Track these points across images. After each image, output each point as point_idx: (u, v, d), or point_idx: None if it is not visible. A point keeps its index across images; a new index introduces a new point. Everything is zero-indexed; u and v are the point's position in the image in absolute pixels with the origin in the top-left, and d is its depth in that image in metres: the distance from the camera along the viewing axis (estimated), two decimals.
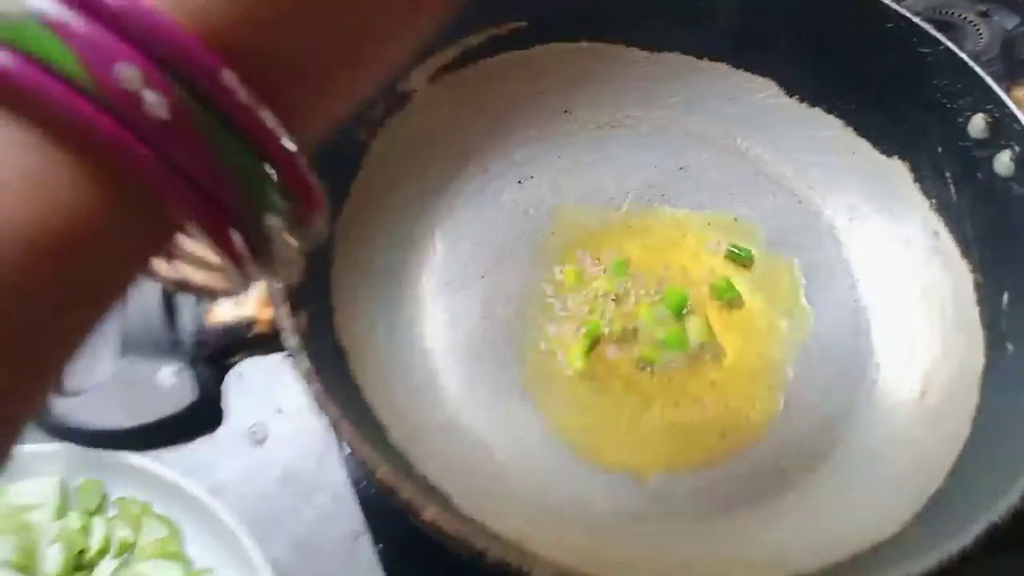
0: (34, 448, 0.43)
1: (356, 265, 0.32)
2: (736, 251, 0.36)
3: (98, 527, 0.41)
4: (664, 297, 0.35)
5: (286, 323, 0.25)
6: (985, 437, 0.28)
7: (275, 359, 0.47)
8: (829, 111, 0.36)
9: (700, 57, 0.38)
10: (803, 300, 0.35)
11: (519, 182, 0.38)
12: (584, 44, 0.38)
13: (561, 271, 0.36)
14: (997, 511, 0.23)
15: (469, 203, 0.37)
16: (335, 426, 0.25)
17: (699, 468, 0.30)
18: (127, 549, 0.41)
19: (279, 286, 0.26)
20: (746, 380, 0.33)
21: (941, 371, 0.31)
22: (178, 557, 0.41)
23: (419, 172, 0.36)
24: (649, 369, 0.34)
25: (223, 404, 0.27)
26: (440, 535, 0.24)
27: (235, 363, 0.27)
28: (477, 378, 0.33)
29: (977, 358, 0.30)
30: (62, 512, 0.41)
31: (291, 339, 0.25)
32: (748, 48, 0.37)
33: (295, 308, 0.26)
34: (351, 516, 0.45)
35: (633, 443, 0.31)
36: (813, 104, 0.37)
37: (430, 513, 0.24)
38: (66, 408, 0.24)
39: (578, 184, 0.38)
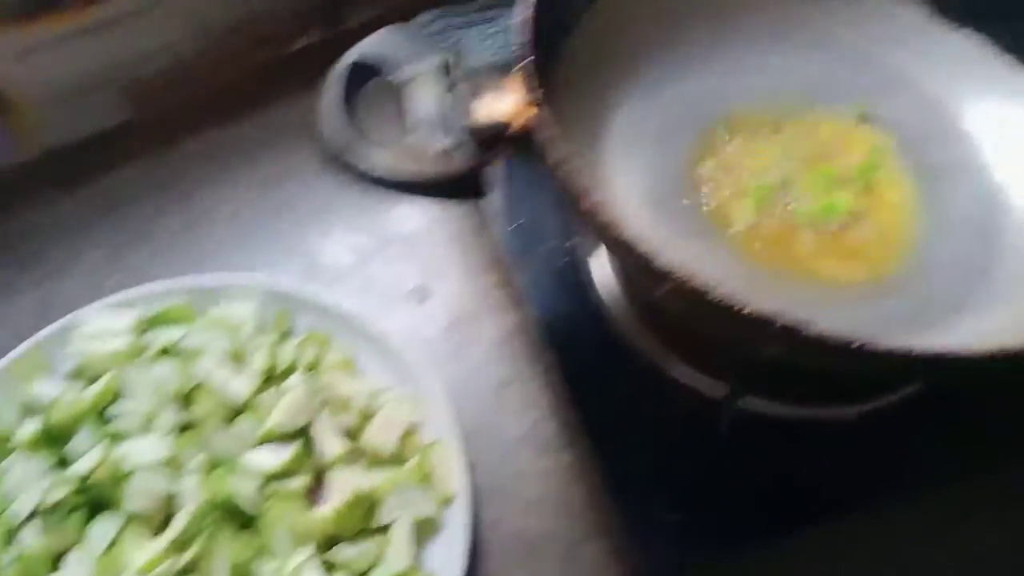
0: (237, 279, 0.49)
1: (562, 117, 0.38)
2: (875, 150, 0.43)
3: (287, 349, 0.48)
4: (819, 172, 0.41)
5: (545, 118, 0.31)
6: None
7: (442, 235, 0.54)
8: (976, 29, 0.42)
9: None
10: (938, 187, 0.41)
11: (691, 71, 0.44)
12: None
13: (729, 143, 0.42)
14: None
15: (649, 82, 0.43)
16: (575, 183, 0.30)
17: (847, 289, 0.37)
18: (315, 367, 0.47)
19: (540, 91, 0.32)
20: (886, 239, 0.39)
21: None
22: (357, 374, 0.47)
23: (614, 49, 0.42)
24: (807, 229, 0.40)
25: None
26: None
27: (496, 154, 0.33)
28: (664, 223, 0.39)
29: None
30: (258, 332, 0.48)
31: (548, 129, 0.31)
32: None
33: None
34: (503, 367, 0.51)
35: (794, 260, 0.37)
36: (961, 24, 0.43)
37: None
38: (375, 155, 0.30)
39: (740, 79, 0.44)
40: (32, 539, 0.40)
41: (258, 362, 0.46)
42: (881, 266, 0.39)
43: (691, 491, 0.39)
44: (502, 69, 0.50)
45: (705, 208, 0.40)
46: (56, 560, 0.40)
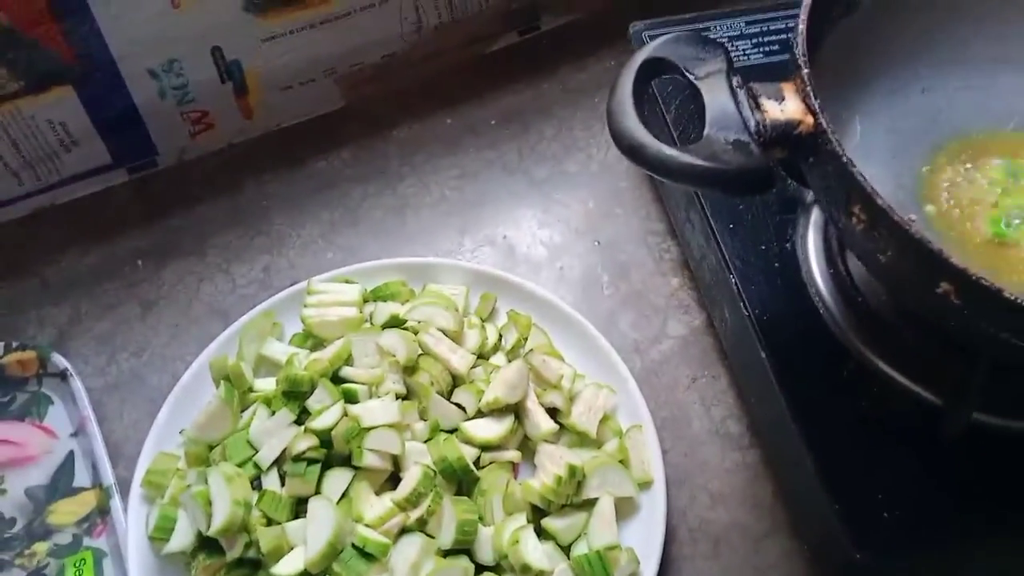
0: (447, 261, 0.53)
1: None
2: None
3: (491, 329, 0.51)
4: None
5: (827, 125, 0.34)
6: None
7: (629, 235, 0.57)
8: None
9: None
10: None
11: (922, 91, 0.45)
12: None
13: (956, 162, 0.43)
14: None
15: (885, 100, 0.45)
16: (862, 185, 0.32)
17: None
18: (519, 347, 0.50)
19: (818, 100, 0.34)
20: None
21: None
22: (561, 358, 0.50)
23: (852, 66, 0.44)
24: None
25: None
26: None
27: (777, 156, 0.35)
28: None
29: None
30: (466, 312, 0.51)
31: (833, 135, 0.33)
32: None
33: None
34: (689, 363, 0.53)
35: None
36: None
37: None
38: (672, 152, 0.33)
39: (970, 102, 0.45)
40: (275, 484, 0.44)
41: (472, 339, 0.49)
42: None
43: (899, 489, 0.40)
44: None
45: (939, 223, 0.41)
46: (295, 505, 0.44)
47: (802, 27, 0.37)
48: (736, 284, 0.46)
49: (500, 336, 0.51)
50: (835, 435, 0.41)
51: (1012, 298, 0.29)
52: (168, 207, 0.59)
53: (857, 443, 0.41)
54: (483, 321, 0.52)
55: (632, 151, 0.34)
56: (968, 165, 0.43)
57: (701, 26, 0.57)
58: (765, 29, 0.57)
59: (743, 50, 0.56)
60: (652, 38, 0.56)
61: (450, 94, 0.65)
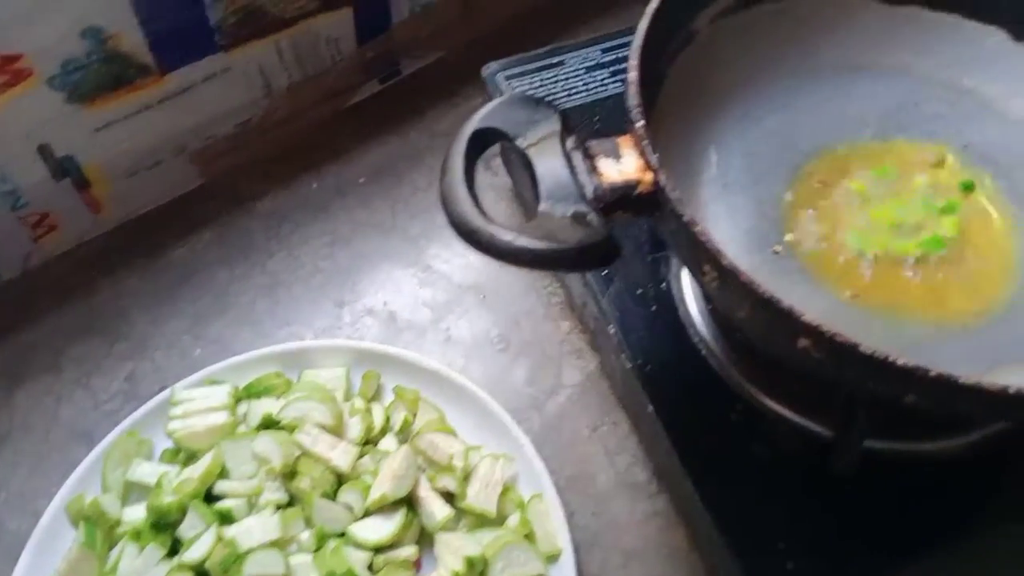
0: (324, 343, 0.50)
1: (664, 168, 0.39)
2: (968, 180, 0.42)
3: (377, 411, 0.48)
4: (916, 205, 0.41)
5: (666, 183, 0.32)
6: None
7: (514, 284, 0.54)
8: None
9: (934, 8, 0.44)
10: None
11: (776, 111, 0.44)
12: None
13: (817, 180, 0.42)
14: None
15: (738, 127, 0.43)
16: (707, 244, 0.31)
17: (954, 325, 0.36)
18: (407, 427, 0.47)
19: (656, 155, 0.32)
20: (987, 271, 0.39)
21: None
22: (452, 432, 0.47)
23: (700, 98, 0.42)
24: (909, 264, 0.40)
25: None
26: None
27: (622, 217, 0.33)
28: (759, 263, 0.39)
29: None
30: (348, 397, 0.48)
31: (673, 193, 0.31)
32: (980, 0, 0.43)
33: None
34: (588, 413, 0.51)
35: (899, 297, 0.37)
36: None
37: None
38: (509, 236, 0.31)
39: (825, 116, 0.44)
40: None
41: (355, 429, 0.46)
42: (985, 296, 0.39)
43: (800, 532, 0.39)
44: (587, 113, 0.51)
45: (804, 249, 0.40)
46: None
47: (633, 75, 0.35)
48: (616, 333, 0.44)
49: (388, 417, 0.48)
50: (731, 484, 0.40)
51: (868, 352, 0.28)
52: (15, 323, 0.54)
53: (754, 490, 0.39)
54: (368, 402, 0.49)
55: (466, 236, 0.32)
56: (829, 183, 0.42)
57: (556, 60, 0.55)
58: (622, 56, 0.55)
59: (601, 80, 0.54)
60: (507, 78, 0.55)
61: (313, 156, 0.61)
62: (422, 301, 0.55)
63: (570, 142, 0.34)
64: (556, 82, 0.54)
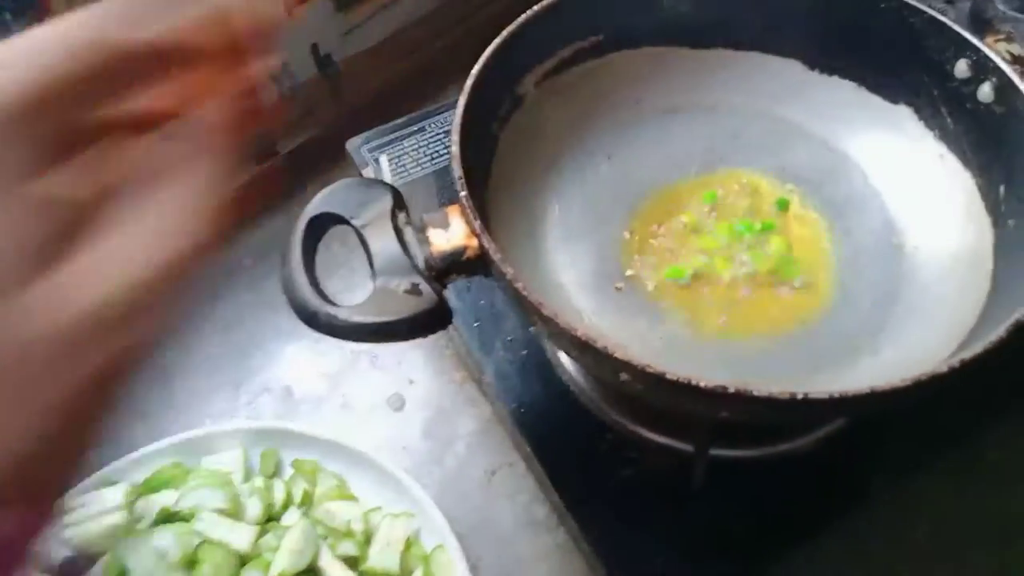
0: (220, 428, 0.51)
1: (503, 227, 0.42)
2: (783, 197, 0.46)
3: (278, 487, 0.49)
4: (741, 229, 0.45)
5: (489, 246, 0.35)
6: (1001, 288, 0.38)
7: (405, 343, 0.56)
8: (843, 77, 0.47)
9: (737, 49, 0.49)
10: (843, 220, 0.45)
11: (608, 158, 0.48)
12: (645, 49, 0.48)
13: (651, 218, 0.46)
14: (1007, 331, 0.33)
15: (574, 177, 0.47)
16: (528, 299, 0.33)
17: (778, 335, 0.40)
18: (308, 499, 0.49)
19: (478, 221, 0.35)
20: (808, 280, 0.43)
21: (962, 251, 0.41)
22: (352, 499, 0.49)
23: (535, 155, 0.46)
24: (740, 286, 0.43)
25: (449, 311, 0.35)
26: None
27: (454, 280, 0.35)
28: (604, 301, 0.42)
29: (987, 236, 0.40)
30: (248, 477, 0.49)
31: (496, 255, 0.34)
32: (774, 38, 0.48)
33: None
34: (486, 458, 0.53)
35: (730, 319, 0.41)
36: (831, 74, 0.47)
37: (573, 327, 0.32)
38: (347, 315, 0.33)
39: (653, 156, 0.48)
40: None
41: (254, 509, 0.47)
42: (808, 306, 0.43)
43: (675, 545, 0.41)
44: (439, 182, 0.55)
45: (642, 284, 0.43)
46: None
47: (455, 149, 0.38)
48: (490, 383, 0.46)
49: (288, 492, 0.50)
50: (606, 510, 0.42)
51: (674, 379, 0.31)
52: None
53: (628, 512, 0.42)
54: (269, 479, 0.50)
55: (307, 319, 0.34)
56: (662, 218, 0.46)
57: (416, 127, 0.58)
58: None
59: None
60: (371, 150, 0.58)
61: None
62: (317, 372, 0.57)
63: (402, 218, 0.36)
64: (418, 148, 0.57)
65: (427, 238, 0.36)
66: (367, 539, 0.47)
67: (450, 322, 0.35)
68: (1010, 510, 0.45)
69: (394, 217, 0.36)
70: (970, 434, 0.45)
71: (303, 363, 0.57)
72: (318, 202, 0.37)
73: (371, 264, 0.34)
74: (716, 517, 0.42)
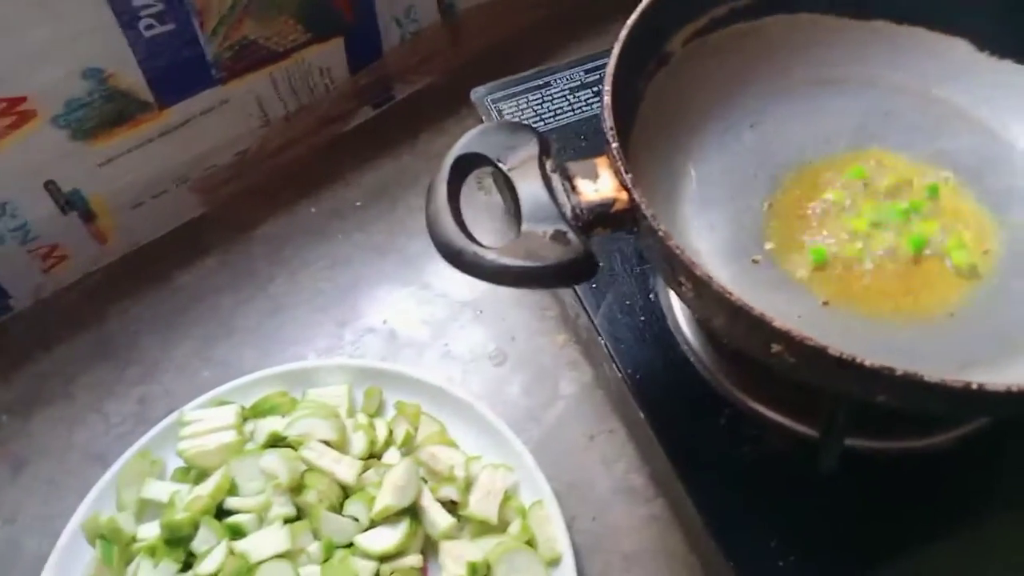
0: (326, 362, 0.52)
1: (641, 184, 0.40)
2: (935, 183, 0.44)
3: (380, 426, 0.50)
4: (890, 210, 0.42)
5: (640, 200, 0.33)
6: None
7: (510, 299, 0.56)
8: (1018, 62, 0.44)
9: (900, 23, 0.46)
10: (1005, 212, 0.42)
11: (751, 126, 0.46)
12: (803, 15, 0.46)
13: (794, 192, 0.44)
14: None
15: (716, 142, 0.45)
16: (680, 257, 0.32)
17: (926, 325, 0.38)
18: (409, 440, 0.49)
19: (629, 175, 0.34)
20: (961, 269, 0.41)
21: None
22: (453, 444, 0.49)
23: (677, 116, 0.44)
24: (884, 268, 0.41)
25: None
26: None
27: (600, 234, 0.34)
28: (739, 273, 0.41)
29: None
30: (351, 413, 0.50)
31: (648, 210, 0.33)
32: (942, 13, 0.45)
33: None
34: (585, 422, 0.53)
35: (874, 300, 0.39)
36: (1003, 57, 0.44)
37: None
38: (493, 255, 0.32)
39: (800, 129, 0.46)
40: None
41: (358, 444, 0.48)
42: (956, 296, 0.40)
43: (791, 531, 0.40)
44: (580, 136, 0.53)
45: (782, 258, 0.41)
46: None
47: (607, 99, 0.36)
48: (606, 345, 0.45)
49: (390, 431, 0.50)
50: (721, 487, 0.41)
51: (836, 354, 0.29)
52: (29, 352, 0.56)
53: (744, 492, 0.41)
54: (371, 418, 0.51)
55: (451, 258, 0.33)
56: (806, 194, 0.44)
57: (541, 81, 0.57)
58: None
59: (585, 100, 0.56)
60: (494, 101, 0.57)
61: (311, 181, 0.63)
62: (421, 319, 0.57)
63: (549, 164, 0.35)
64: (542, 103, 0.56)
65: (575, 187, 0.35)
66: (467, 486, 0.47)
67: (595, 273, 0.34)
68: None
69: (542, 163, 0.35)
70: None
71: (408, 309, 0.58)
72: (466, 142, 0.36)
73: (517, 208, 0.34)
74: (835, 508, 0.40)
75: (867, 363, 0.29)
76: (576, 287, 0.48)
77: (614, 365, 0.45)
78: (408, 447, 0.50)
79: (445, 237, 0.33)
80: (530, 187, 0.34)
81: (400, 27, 0.65)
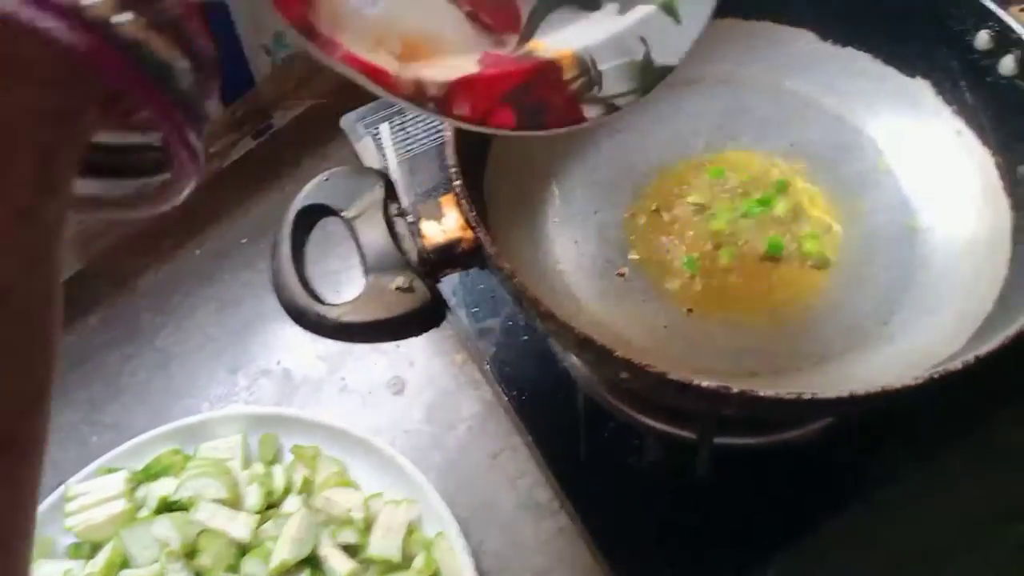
0: (218, 414, 0.50)
1: (501, 211, 0.40)
2: (783, 179, 0.45)
3: (278, 472, 0.49)
4: (748, 208, 0.43)
5: (485, 239, 0.33)
6: (1020, 273, 0.36)
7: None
8: (859, 48, 0.45)
9: (748, 18, 0.46)
10: (856, 199, 0.43)
11: (610, 136, 0.46)
12: None
13: (655, 199, 0.44)
14: None
15: (575, 156, 0.45)
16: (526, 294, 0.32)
17: (785, 322, 0.39)
18: (309, 485, 0.48)
19: (473, 213, 0.34)
20: (818, 263, 0.41)
21: (979, 234, 0.39)
22: (353, 485, 0.48)
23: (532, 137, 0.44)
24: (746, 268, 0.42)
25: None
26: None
27: (449, 274, 0.34)
28: (606, 288, 0.41)
29: (1006, 219, 0.38)
30: (247, 463, 0.49)
31: (491, 248, 0.33)
32: (785, 6, 0.45)
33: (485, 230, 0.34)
34: (488, 441, 0.52)
35: (736, 303, 0.40)
36: (845, 45, 0.45)
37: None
38: (336, 313, 0.32)
39: (659, 132, 0.46)
40: None
41: (253, 497, 0.47)
42: (819, 291, 0.41)
43: (678, 537, 0.41)
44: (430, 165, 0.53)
45: (646, 269, 0.42)
46: None
47: (449, 135, 0.36)
48: (491, 369, 0.45)
49: (289, 478, 0.49)
50: (608, 499, 0.42)
51: (676, 380, 0.30)
52: None
53: (630, 502, 0.41)
54: (268, 466, 0.50)
55: (296, 318, 0.33)
56: (667, 200, 0.44)
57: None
58: None
59: None
60: (366, 126, 0.56)
61: (193, 223, 0.62)
62: (315, 355, 0.56)
63: (393, 208, 0.35)
64: (416, 124, 0.56)
65: (420, 230, 0.34)
66: (368, 526, 0.46)
67: (443, 319, 0.34)
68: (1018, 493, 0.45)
69: (386, 208, 0.35)
70: (984, 417, 0.44)
71: (301, 345, 0.56)
72: (307, 193, 0.35)
73: (362, 258, 0.33)
74: (719, 506, 0.41)
75: (704, 385, 0.29)
76: (460, 311, 0.47)
77: (500, 388, 0.45)
78: (308, 492, 0.49)
79: (289, 297, 0.33)
80: (373, 235, 0.34)
81: (270, 54, 0.64)
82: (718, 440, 0.41)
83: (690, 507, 0.41)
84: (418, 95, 0.25)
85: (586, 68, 0.26)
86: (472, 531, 0.48)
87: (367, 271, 0.33)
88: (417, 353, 0.57)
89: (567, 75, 0.26)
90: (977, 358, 0.29)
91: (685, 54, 0.28)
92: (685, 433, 0.42)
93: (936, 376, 0.30)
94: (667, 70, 0.28)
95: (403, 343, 0.57)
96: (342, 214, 0.35)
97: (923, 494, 0.42)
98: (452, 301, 0.48)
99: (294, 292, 0.33)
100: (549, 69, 0.26)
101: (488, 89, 0.25)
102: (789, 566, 0.41)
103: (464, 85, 0.25)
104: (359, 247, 0.34)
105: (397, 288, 0.32)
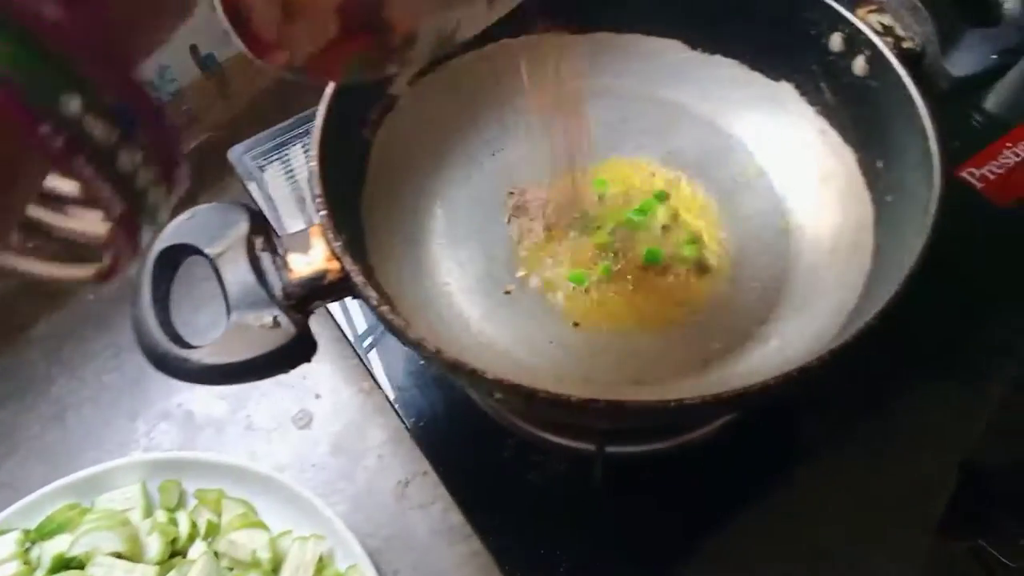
0: (115, 463, 0.49)
1: (381, 234, 0.40)
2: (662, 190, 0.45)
3: (182, 518, 0.47)
4: (629, 219, 0.43)
5: (351, 268, 0.33)
6: (882, 266, 0.37)
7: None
8: (726, 55, 0.46)
9: (620, 32, 0.47)
10: (733, 203, 0.44)
11: (492, 154, 0.46)
12: (524, 38, 0.46)
13: (543, 211, 0.44)
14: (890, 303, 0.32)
15: (458, 176, 0.45)
16: (393, 323, 0.32)
17: (669, 328, 0.39)
18: (214, 529, 0.47)
19: (338, 243, 0.33)
20: (699, 269, 0.42)
21: (845, 228, 0.40)
22: (259, 525, 0.47)
23: (414, 158, 0.44)
24: (627, 275, 0.42)
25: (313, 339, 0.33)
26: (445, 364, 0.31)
27: (318, 307, 0.34)
28: (493, 306, 0.41)
29: (868, 213, 0.40)
30: (148, 512, 0.47)
31: (357, 278, 0.33)
32: (654, 18, 0.46)
33: (353, 259, 0.33)
34: (398, 469, 0.52)
35: (621, 314, 0.40)
36: (712, 53, 0.46)
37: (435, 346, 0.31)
38: (198, 356, 0.31)
39: (540, 148, 0.46)
40: None
41: (153, 547, 0.46)
42: (702, 296, 0.42)
43: (580, 551, 0.41)
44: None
45: (532, 286, 0.42)
46: None
47: (314, 165, 0.36)
48: (388, 398, 0.45)
49: (193, 523, 0.48)
50: (510, 520, 0.41)
51: (547, 395, 0.30)
52: None
53: (534, 523, 0.41)
54: (171, 512, 0.48)
55: (157, 363, 0.32)
56: (549, 215, 0.44)
57: (302, 129, 0.56)
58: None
59: None
60: (254, 158, 0.55)
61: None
62: (217, 394, 0.55)
63: (259, 243, 0.34)
64: (306, 152, 0.55)
65: (287, 263, 0.34)
66: (275, 567, 0.45)
67: (314, 353, 0.33)
68: (920, 473, 0.46)
69: (250, 244, 0.34)
70: (880, 403, 0.45)
71: (203, 387, 0.55)
72: (170, 232, 0.35)
73: (225, 297, 0.33)
74: (622, 514, 0.41)
75: (573, 398, 0.29)
76: (356, 342, 0.47)
77: (398, 417, 0.44)
78: (214, 536, 0.48)
79: (148, 342, 0.32)
80: (237, 272, 0.33)
81: (157, 89, 0.63)
82: (619, 449, 0.41)
83: (591, 519, 0.41)
84: None
85: None
86: (387, 561, 0.47)
87: (230, 309, 0.32)
88: (323, 384, 0.56)
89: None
90: (832, 352, 0.30)
91: None
92: (584, 445, 0.42)
93: (793, 374, 0.30)
94: None
95: (309, 374, 0.56)
96: (205, 252, 0.34)
97: (817, 489, 0.43)
98: (349, 333, 0.47)
99: (154, 336, 0.32)
100: None
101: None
102: (698, 569, 0.42)
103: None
104: (222, 285, 0.33)
105: (261, 326, 0.32)
